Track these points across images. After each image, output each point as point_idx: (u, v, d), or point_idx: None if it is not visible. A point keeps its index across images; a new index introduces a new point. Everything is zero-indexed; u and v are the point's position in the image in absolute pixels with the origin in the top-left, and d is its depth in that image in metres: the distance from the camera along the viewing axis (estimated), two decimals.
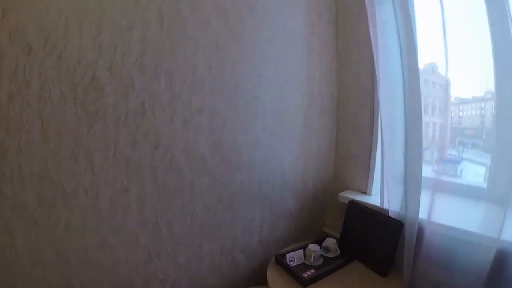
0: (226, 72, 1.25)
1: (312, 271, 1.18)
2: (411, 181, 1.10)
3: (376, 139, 1.38)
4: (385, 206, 1.25)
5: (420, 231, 1.07)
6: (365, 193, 1.45)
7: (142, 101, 1.08)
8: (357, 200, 1.38)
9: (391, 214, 1.21)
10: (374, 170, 1.41)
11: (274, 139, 1.42)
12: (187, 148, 1.25)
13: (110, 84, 0.99)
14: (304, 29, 1.48)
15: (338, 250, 1.30)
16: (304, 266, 1.22)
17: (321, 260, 1.26)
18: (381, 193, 1.29)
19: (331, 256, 1.29)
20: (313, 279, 1.14)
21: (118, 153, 1.11)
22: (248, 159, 1.42)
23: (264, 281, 1.23)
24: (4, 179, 0.85)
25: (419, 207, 1.06)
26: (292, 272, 1.19)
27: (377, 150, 1.38)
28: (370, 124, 1.40)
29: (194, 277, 1.38)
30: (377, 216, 1.25)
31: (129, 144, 1.13)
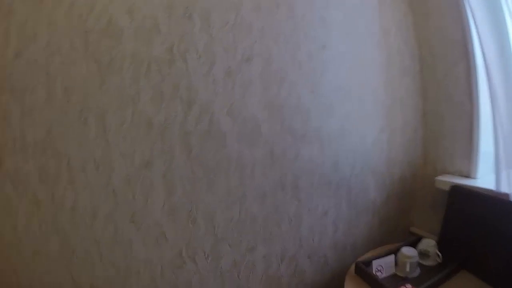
0: (280, 12, 0.96)
1: (409, 286, 0.83)
2: None
3: (478, 105, 1.04)
4: (505, 189, 0.90)
5: None
6: (467, 176, 1.09)
7: (170, 47, 0.84)
8: (464, 185, 1.01)
9: None
10: (478, 145, 1.05)
11: (352, 103, 1.09)
12: (233, 107, 0.89)
13: (129, 28, 0.80)
14: None
15: (440, 255, 0.95)
16: (396, 279, 0.91)
17: (418, 270, 0.94)
18: (497, 172, 0.92)
19: (429, 264, 0.96)
20: None
21: (137, 114, 0.82)
22: (319, 128, 1.02)
23: None
24: (6, 149, 0.74)
25: None
26: (381, 287, 0.85)
27: (481, 119, 1.04)
28: (467, 86, 1.05)
29: None
30: (496, 204, 0.88)
31: (152, 102, 0.82)
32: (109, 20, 0.79)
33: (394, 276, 0.93)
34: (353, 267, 0.98)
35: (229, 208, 0.93)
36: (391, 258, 0.95)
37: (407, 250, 0.94)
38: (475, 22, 0.92)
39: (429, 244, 0.98)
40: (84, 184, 0.82)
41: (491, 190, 0.95)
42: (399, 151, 1.22)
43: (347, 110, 1.07)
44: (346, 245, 1.16)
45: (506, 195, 0.89)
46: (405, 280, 0.90)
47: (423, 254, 0.97)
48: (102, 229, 0.85)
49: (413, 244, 1.01)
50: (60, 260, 0.83)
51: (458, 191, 1.01)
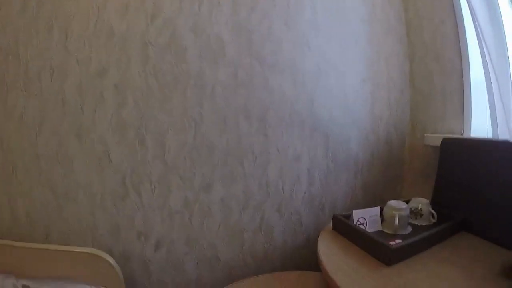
0: None
1: (398, 241, 0.67)
2: None
3: (468, 61, 0.95)
4: (503, 135, 0.79)
5: None
6: (460, 135, 0.99)
7: None
8: (457, 137, 0.93)
9: None
10: (470, 102, 0.94)
11: (330, 45, 1.00)
12: (197, 24, 0.85)
13: None
14: None
15: (435, 214, 0.79)
16: (383, 236, 0.73)
17: (410, 228, 0.77)
18: (492, 116, 0.83)
19: (423, 224, 0.80)
20: (403, 253, 0.63)
21: (100, 23, 0.81)
22: (291, 61, 0.93)
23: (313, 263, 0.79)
24: None
25: None
26: (366, 240, 0.68)
27: (470, 75, 0.94)
28: (456, 43, 0.98)
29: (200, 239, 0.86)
30: (497, 149, 0.74)
31: (116, 12, 0.82)
32: None
33: (380, 233, 0.75)
34: (330, 223, 0.81)
35: (183, 131, 0.82)
36: (375, 210, 0.78)
37: (395, 203, 0.77)
38: None
39: (421, 202, 0.81)
40: (37, 92, 0.79)
41: (488, 138, 0.85)
42: (384, 109, 1.08)
43: (324, 50, 0.98)
44: (324, 204, 0.97)
45: (506, 140, 0.74)
46: (393, 236, 0.72)
47: (415, 213, 0.80)
48: (45, 142, 0.79)
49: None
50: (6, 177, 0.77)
51: (451, 143, 0.89)
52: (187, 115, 0.83)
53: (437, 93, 1.05)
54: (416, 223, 0.79)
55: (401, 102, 1.14)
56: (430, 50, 1.08)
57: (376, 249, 0.64)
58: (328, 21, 0.99)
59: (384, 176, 1.10)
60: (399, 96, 1.14)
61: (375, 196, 1.10)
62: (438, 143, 0.92)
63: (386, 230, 0.75)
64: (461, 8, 0.93)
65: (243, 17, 0.89)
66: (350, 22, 1.04)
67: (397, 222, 0.72)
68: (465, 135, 0.95)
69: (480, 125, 0.92)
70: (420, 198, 0.82)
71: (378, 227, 0.77)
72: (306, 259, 0.98)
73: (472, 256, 0.64)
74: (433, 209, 0.79)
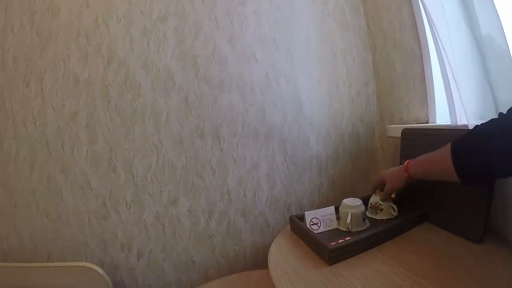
0: None
1: (348, 239, 0.70)
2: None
3: (427, 47, 0.95)
4: (462, 121, 0.79)
5: None
6: (426, 123, 0.99)
7: None
8: (416, 126, 0.95)
9: None
10: (433, 89, 0.94)
11: (279, 54, 1.08)
12: (147, 60, 0.96)
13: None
14: None
15: (395, 208, 0.80)
16: (339, 233, 0.77)
17: (367, 224, 0.79)
18: (449, 102, 0.81)
19: (383, 218, 0.82)
20: (344, 251, 0.66)
21: (67, 73, 0.94)
22: (238, 76, 1.02)
23: None
24: None
25: None
26: (311, 240, 0.73)
27: (432, 61, 0.93)
28: (414, 30, 0.97)
29: (175, 246, 0.98)
30: (455, 137, 0.71)
31: (78, 63, 0.94)
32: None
33: (335, 231, 0.79)
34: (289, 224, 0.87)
35: (147, 156, 0.95)
36: (329, 210, 0.82)
37: (350, 200, 0.80)
38: None
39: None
40: (25, 138, 0.93)
41: (447, 125, 0.83)
42: (346, 104, 1.13)
43: (273, 60, 1.05)
44: (290, 205, 1.06)
45: (465, 126, 0.76)
46: (347, 234, 0.75)
47: (375, 208, 0.83)
48: (38, 178, 0.94)
49: (364, 201, 0.83)
50: (5, 213, 0.92)
51: (410, 133, 0.92)
52: (148, 142, 0.95)
53: (400, 82, 1.06)
54: (377, 218, 0.81)
55: (366, 94, 1.17)
56: (389, 38, 1.09)
57: (319, 249, 0.67)
58: (275, 31, 1.06)
59: (354, 169, 1.15)
60: (363, 88, 1.17)
61: (344, 190, 1.16)
62: (399, 134, 0.94)
63: (341, 228, 0.78)
64: None
65: (188, 45, 0.99)
66: (299, 27, 1.09)
67: (349, 220, 0.75)
68: (430, 122, 0.95)
69: (447, 111, 0.89)
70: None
71: (333, 225, 0.80)
72: None
73: (424, 251, 0.63)
74: (400, 200, 0.80)
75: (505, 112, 0.47)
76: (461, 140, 0.52)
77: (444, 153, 0.53)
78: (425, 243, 0.67)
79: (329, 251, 0.63)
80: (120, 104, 0.94)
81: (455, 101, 0.79)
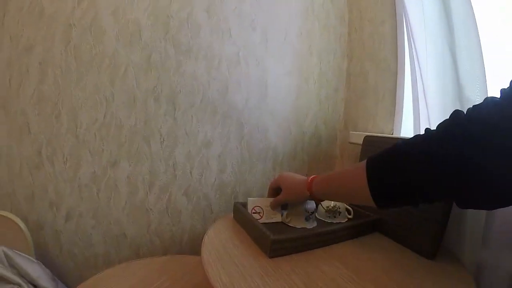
0: None
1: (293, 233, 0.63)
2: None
3: (403, 63, 0.94)
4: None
5: None
6: (391, 135, 0.97)
7: None
8: (378, 135, 0.93)
9: None
10: (402, 103, 0.93)
11: (255, 34, 1.01)
12: (118, 10, 0.89)
13: None
14: None
15: (351, 210, 0.77)
16: (282, 228, 0.70)
17: (314, 224, 0.72)
18: (415, 114, 0.81)
19: (336, 221, 0.76)
20: (286, 243, 0.59)
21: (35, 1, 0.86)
22: (208, 47, 0.94)
23: None
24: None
25: None
26: (253, 229, 0.65)
27: (406, 77, 0.93)
28: (393, 44, 0.97)
29: (107, 215, 0.89)
30: None
31: None
32: None
33: (280, 224, 0.71)
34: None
35: (95, 108, 0.86)
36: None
37: None
38: None
39: None
40: None
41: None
42: (312, 103, 1.04)
43: (246, 39, 0.98)
44: (238, 193, 0.95)
45: None
46: (293, 229, 0.68)
47: (331, 211, 0.75)
48: None
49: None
50: None
51: (372, 140, 0.87)
52: (100, 94, 0.87)
53: (370, 93, 1.05)
54: (330, 221, 0.74)
55: (334, 99, 1.11)
56: (367, 49, 1.08)
57: (261, 239, 0.60)
58: (256, 12, 0.98)
59: (310, 170, 1.05)
60: (333, 92, 1.10)
61: None
62: (361, 141, 0.88)
63: (288, 222, 0.70)
64: (401, 9, 0.91)
65: (165, 4, 0.91)
66: (281, 14, 1.03)
67: (294, 215, 0.69)
68: (394, 135, 0.90)
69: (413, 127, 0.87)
70: None
71: (277, 218, 0.72)
72: None
73: (374, 258, 0.59)
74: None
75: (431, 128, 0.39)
76: (380, 154, 0.43)
77: (358, 168, 0.44)
78: (376, 251, 0.62)
79: (271, 241, 0.55)
80: (80, 47, 0.86)
81: (421, 117, 0.77)
